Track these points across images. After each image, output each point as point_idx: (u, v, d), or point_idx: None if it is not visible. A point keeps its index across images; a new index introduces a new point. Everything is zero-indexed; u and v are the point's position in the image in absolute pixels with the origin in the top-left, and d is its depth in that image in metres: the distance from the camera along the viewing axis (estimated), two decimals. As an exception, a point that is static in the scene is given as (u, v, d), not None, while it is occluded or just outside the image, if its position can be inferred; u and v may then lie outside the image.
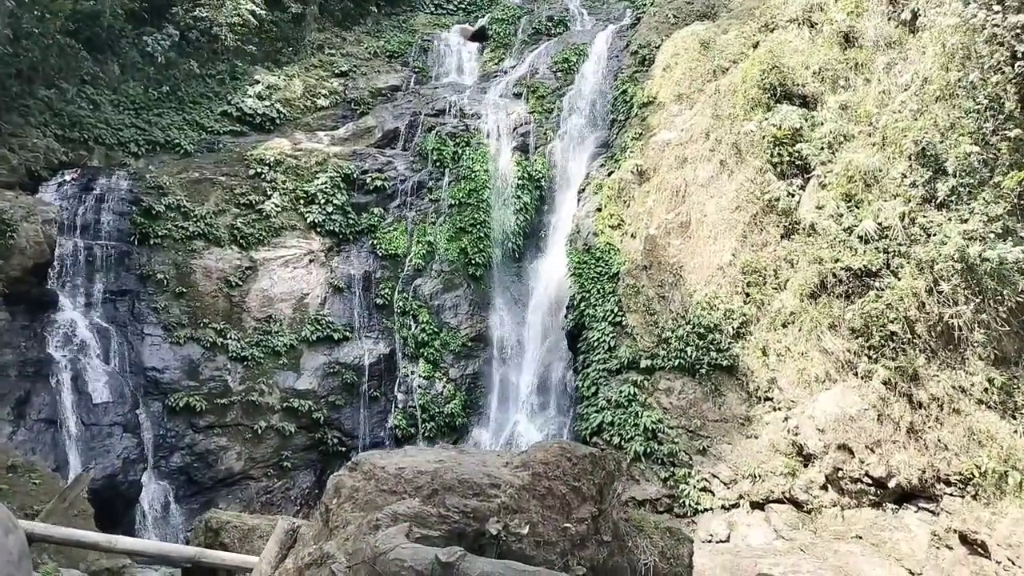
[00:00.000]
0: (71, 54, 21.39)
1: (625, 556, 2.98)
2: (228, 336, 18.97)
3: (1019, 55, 13.56)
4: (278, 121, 24.33)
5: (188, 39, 24.16)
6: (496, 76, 25.95)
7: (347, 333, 20.10)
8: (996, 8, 13.52)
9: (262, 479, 18.45)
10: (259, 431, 18.41)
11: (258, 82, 24.63)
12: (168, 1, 24.08)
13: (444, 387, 20.13)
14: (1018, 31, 13.53)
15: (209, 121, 23.41)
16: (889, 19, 16.93)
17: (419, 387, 19.95)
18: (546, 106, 23.63)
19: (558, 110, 23.46)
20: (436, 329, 20.66)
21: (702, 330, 16.37)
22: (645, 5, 26.84)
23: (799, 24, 18.79)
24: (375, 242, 21.35)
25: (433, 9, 30.97)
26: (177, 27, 23.83)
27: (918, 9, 15.46)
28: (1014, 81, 13.53)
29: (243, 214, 20.51)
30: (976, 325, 13.51)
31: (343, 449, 18.87)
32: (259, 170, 21.16)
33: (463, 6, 31.21)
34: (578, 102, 23.40)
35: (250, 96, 24.28)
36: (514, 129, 22.93)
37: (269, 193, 20.93)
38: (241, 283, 19.64)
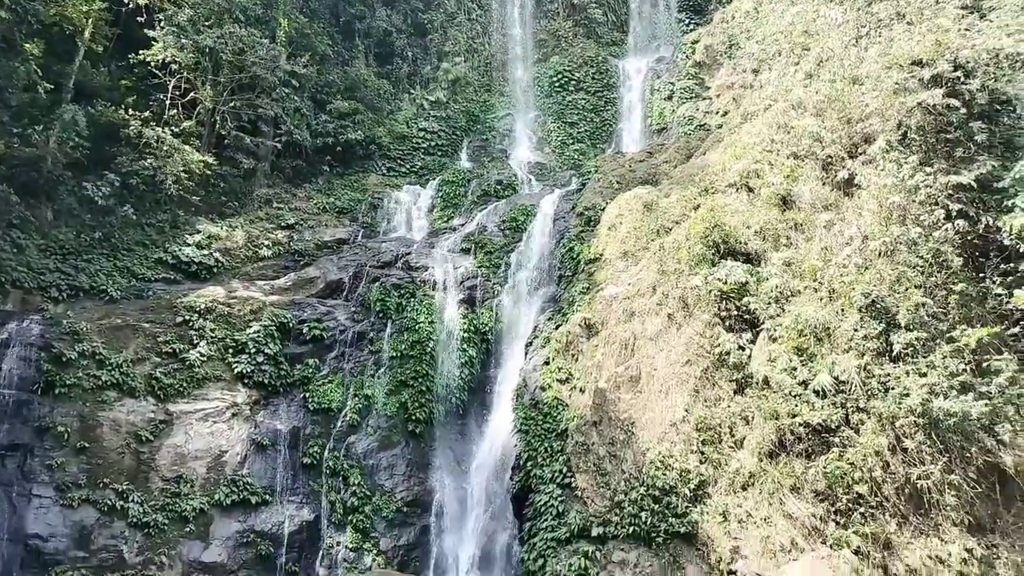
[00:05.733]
0: (2, 197, 20.64)
1: None
2: (130, 498, 16.84)
3: (953, 214, 13.88)
4: (216, 270, 23.49)
5: (130, 187, 23.70)
6: (444, 233, 25.97)
7: (267, 496, 18.08)
8: (928, 170, 13.98)
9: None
10: (152, 614, 15.87)
11: (199, 231, 24.03)
12: (113, 152, 23.88)
13: (374, 560, 17.94)
14: (950, 191, 13.94)
15: (141, 268, 22.46)
16: (824, 183, 17.49)
17: (345, 560, 17.73)
18: (494, 261, 23.43)
19: (506, 265, 23.27)
20: (368, 492, 18.77)
21: (657, 492, 15.07)
22: (590, 172, 27.83)
23: (737, 188, 19.33)
24: (307, 395, 19.90)
25: (385, 171, 31.56)
26: (120, 175, 23.44)
27: (854, 171, 15.96)
28: (953, 239, 13.73)
29: (164, 363, 19.03)
30: (946, 487, 12.63)
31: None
32: (188, 317, 19.94)
33: (415, 169, 31.95)
34: (526, 258, 23.30)
35: (189, 245, 23.57)
36: (461, 282, 22.51)
37: (196, 342, 19.60)
38: (152, 438, 17.79)
